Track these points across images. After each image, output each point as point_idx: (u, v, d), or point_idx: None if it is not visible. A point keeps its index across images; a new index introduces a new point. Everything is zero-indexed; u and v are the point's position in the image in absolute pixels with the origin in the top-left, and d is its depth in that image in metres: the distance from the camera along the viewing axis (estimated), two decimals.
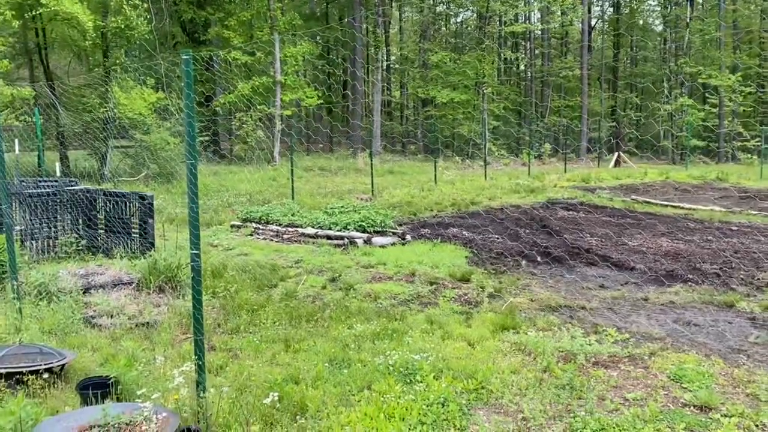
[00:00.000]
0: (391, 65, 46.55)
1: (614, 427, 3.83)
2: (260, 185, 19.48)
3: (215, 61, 29.66)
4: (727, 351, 5.48)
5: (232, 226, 12.63)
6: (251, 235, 11.78)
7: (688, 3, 41.06)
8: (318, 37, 38.08)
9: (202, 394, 3.88)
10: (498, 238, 11.46)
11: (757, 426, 3.90)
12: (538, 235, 11.77)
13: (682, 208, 15.45)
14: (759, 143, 32.40)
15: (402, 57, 46.04)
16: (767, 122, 37.60)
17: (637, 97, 45.31)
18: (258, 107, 26.85)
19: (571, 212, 14.90)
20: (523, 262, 9.46)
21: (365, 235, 10.85)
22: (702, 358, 5.16)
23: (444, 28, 47.08)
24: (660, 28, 48.15)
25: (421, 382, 4.47)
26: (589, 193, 18.30)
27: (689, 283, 8.09)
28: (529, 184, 19.85)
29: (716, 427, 3.86)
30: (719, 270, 8.86)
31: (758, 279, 8.35)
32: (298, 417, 4.04)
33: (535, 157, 32.39)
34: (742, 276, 8.50)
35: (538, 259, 9.71)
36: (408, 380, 4.55)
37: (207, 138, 27.83)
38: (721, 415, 4.02)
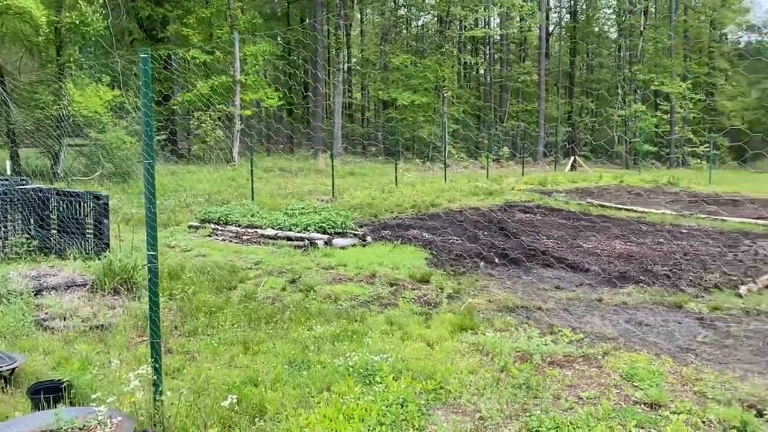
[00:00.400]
0: (353, 67, 46.54)
1: (569, 426, 3.93)
2: (219, 185, 19.23)
3: (173, 60, 29.15)
4: (676, 350, 5.67)
5: (190, 226, 12.45)
6: (210, 236, 11.64)
7: (642, 12, 42.29)
8: (279, 38, 37.82)
9: (158, 398, 3.82)
10: (457, 240, 11.58)
11: (703, 422, 4.05)
12: (496, 237, 11.95)
13: (635, 211, 15.88)
14: (708, 149, 33.58)
15: (363, 59, 46.08)
16: (716, 129, 38.99)
17: (592, 102, 46.43)
18: (217, 107, 26.51)
19: (528, 215, 15.16)
20: (482, 264, 9.59)
21: (326, 237, 10.84)
22: (653, 357, 5.33)
23: (405, 31, 47.32)
24: (615, 35, 49.41)
25: (381, 382, 4.50)
26: (545, 196, 18.64)
27: (641, 285, 8.33)
28: (487, 186, 20.11)
29: (665, 424, 3.99)
30: (669, 272, 9.15)
31: (706, 280, 8.65)
32: (257, 419, 4.02)
33: (493, 161, 32.83)
34: (691, 277, 8.79)
35: (496, 260, 9.85)
36: (368, 381, 4.57)
37: (164, 137, 27.32)
38: (670, 412, 4.16)
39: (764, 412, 4.12)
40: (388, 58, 38.25)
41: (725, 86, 42.12)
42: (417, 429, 3.92)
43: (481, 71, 48.63)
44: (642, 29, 41.28)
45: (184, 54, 27.31)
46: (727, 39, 46.42)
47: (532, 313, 6.89)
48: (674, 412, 4.14)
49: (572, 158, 32.71)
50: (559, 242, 11.56)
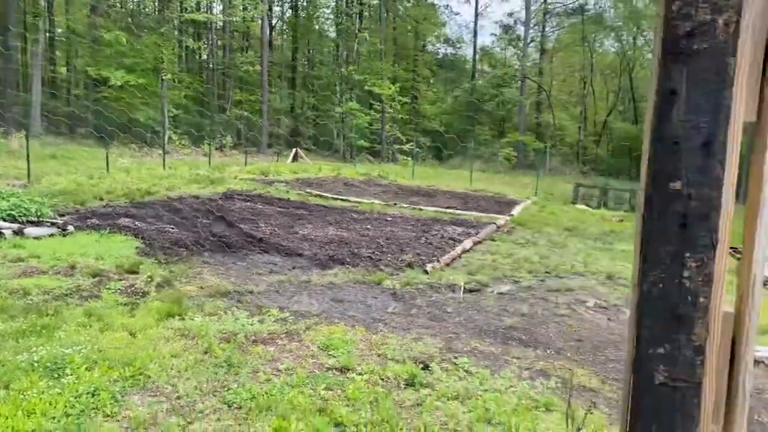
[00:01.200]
0: (57, 38, 41.45)
1: (264, 395, 4.15)
2: None
3: None
4: (370, 321, 6.34)
5: None
6: None
7: (358, 16, 45.45)
8: None
9: None
10: (173, 229, 11.21)
11: (382, 379, 4.63)
12: (216, 225, 11.86)
13: (349, 201, 17.14)
14: (412, 147, 37.62)
15: (69, 30, 41.36)
16: (419, 130, 43.82)
17: (313, 97, 48.57)
18: None
19: (249, 203, 15.31)
20: (198, 251, 9.45)
21: (15, 226, 9.58)
22: (348, 329, 5.87)
23: (119, 6, 43.73)
24: (333, 35, 52.31)
25: (71, 375, 4.21)
26: (267, 185, 19.03)
27: (347, 266, 9.07)
28: (209, 175, 19.77)
29: (350, 384, 4.46)
30: (372, 254, 10.11)
31: (401, 260, 9.77)
32: None
33: (216, 149, 32.33)
34: (389, 259, 9.84)
35: (214, 248, 9.80)
36: (56, 375, 4.23)
37: None
38: (356, 374, 4.66)
39: (429, 366, 4.87)
40: (99, 32, 34.90)
41: (427, 92, 47.59)
42: (108, 415, 3.77)
43: (204, 57, 47.36)
44: (357, 32, 44.40)
45: None
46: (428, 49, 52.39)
47: (244, 296, 7.04)
48: (359, 374, 4.66)
49: (294, 150, 33.85)
50: (277, 230, 11.92)
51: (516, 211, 17.42)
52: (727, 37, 1.60)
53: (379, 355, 5.14)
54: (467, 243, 11.52)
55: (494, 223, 14.29)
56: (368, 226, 13.12)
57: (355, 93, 43.74)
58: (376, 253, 10.26)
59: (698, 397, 1.73)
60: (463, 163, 37.40)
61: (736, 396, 1.83)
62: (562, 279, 9.14)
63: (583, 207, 23.39)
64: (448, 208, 17.29)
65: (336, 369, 4.78)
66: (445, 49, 54.00)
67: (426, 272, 9.03)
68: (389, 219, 14.49)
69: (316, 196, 17.69)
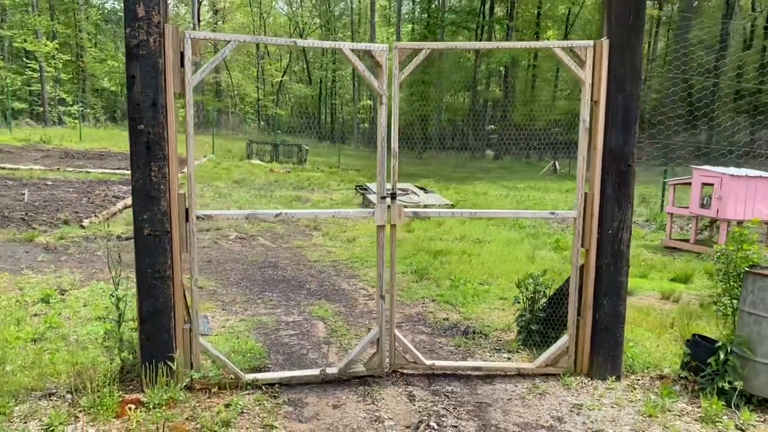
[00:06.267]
0: None
1: None
2: None
3: None
4: (19, 269, 6.95)
5: None
6: None
7: None
8: None
9: None
10: None
11: (17, 301, 5.50)
12: None
13: (5, 168, 16.15)
14: (80, 108, 35.32)
15: None
16: (89, 90, 41.03)
17: None
18: None
19: None
20: None
21: None
22: None
23: None
24: None
25: None
26: None
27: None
28: None
29: None
30: (25, 215, 10.28)
31: (57, 218, 10.18)
32: None
33: None
34: (44, 218, 10.16)
35: None
36: None
37: None
38: None
39: (66, 290, 5.86)
40: None
41: (92, 49, 44.46)
42: None
43: None
44: None
45: None
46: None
47: None
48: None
49: None
50: None
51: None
52: (156, 48, 3.09)
53: (20, 288, 5.94)
54: (130, 200, 12.28)
55: None
56: (24, 191, 12.90)
57: (5, 51, 38.86)
58: (29, 214, 10.44)
59: (168, 239, 3.26)
60: None
61: (191, 236, 3.43)
62: (214, 220, 10.62)
63: (257, 162, 25.42)
64: (118, 169, 17.45)
65: None
66: (112, 3, 50.71)
67: (83, 227, 9.67)
68: (49, 183, 14.31)
69: None
